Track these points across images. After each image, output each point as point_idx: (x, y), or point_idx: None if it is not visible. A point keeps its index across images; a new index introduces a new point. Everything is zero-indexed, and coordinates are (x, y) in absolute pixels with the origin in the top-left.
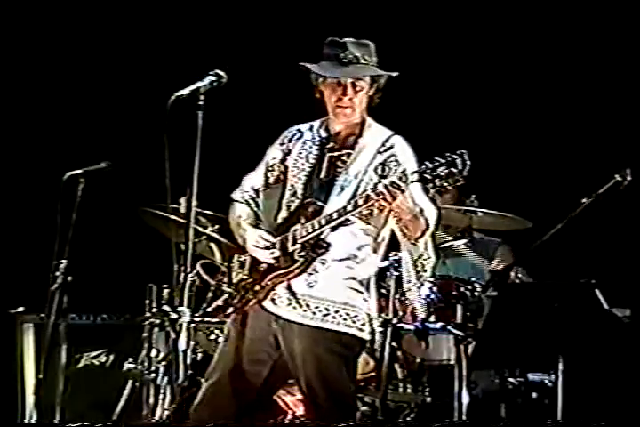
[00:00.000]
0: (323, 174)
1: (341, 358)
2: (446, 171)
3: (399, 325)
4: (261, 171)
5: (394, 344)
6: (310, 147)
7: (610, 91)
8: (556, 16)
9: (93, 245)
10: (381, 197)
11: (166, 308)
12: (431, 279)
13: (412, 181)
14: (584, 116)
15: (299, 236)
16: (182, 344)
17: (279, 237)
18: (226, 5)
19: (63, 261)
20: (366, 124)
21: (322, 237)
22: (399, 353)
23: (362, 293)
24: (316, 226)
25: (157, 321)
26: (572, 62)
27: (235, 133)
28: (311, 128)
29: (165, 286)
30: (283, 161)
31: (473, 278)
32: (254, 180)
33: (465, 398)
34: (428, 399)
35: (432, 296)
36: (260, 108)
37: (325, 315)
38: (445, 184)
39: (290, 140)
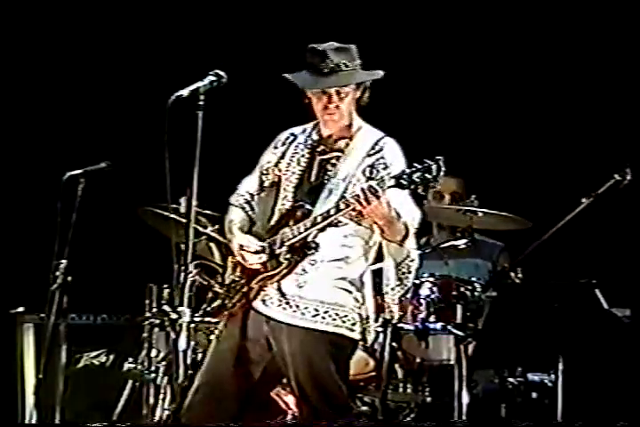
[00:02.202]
0: (313, 178)
1: (331, 359)
2: (421, 177)
3: (399, 325)
4: (256, 175)
5: (394, 344)
6: (302, 150)
7: (610, 91)
8: (557, 16)
9: (93, 245)
10: (359, 200)
11: (166, 308)
12: (431, 279)
13: (389, 186)
14: (584, 116)
15: (286, 238)
16: (182, 344)
17: (262, 243)
18: (225, 5)
19: (63, 261)
20: (356, 127)
21: (310, 238)
22: (399, 353)
23: (352, 292)
24: (302, 229)
25: (157, 321)
26: (572, 62)
27: (234, 134)
28: (304, 131)
29: (165, 285)
30: (277, 165)
31: (473, 278)
32: (249, 183)
33: (465, 398)
34: (428, 399)
35: (432, 296)
36: (260, 108)
37: (315, 315)
38: (419, 190)
39: (283, 144)
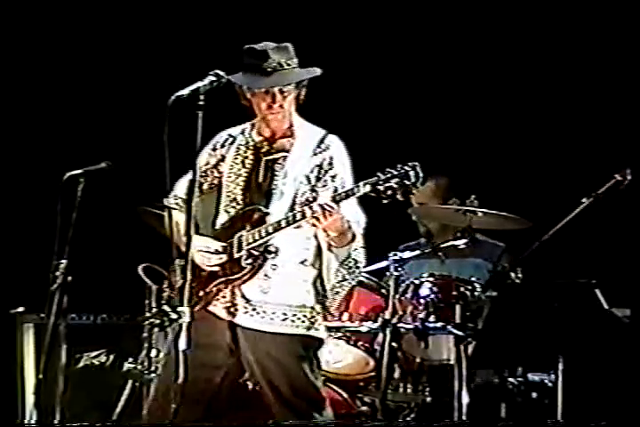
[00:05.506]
0: (261, 179)
1: (303, 360)
2: (400, 183)
3: (399, 325)
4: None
5: (394, 344)
6: (245, 152)
7: (610, 91)
8: (557, 15)
9: (93, 245)
10: (315, 215)
11: (166, 308)
12: (431, 279)
13: (365, 193)
14: (583, 116)
15: (245, 242)
16: (182, 344)
17: (222, 244)
18: (225, 6)
19: (63, 261)
20: (297, 125)
21: (269, 242)
22: (399, 353)
23: (315, 292)
24: (263, 233)
25: (157, 321)
26: (572, 62)
27: None
28: (243, 132)
29: (165, 286)
30: (216, 166)
31: (473, 278)
32: (187, 186)
33: (465, 398)
34: (428, 399)
35: (432, 296)
36: None
37: (284, 319)
38: (397, 196)
39: (222, 146)
